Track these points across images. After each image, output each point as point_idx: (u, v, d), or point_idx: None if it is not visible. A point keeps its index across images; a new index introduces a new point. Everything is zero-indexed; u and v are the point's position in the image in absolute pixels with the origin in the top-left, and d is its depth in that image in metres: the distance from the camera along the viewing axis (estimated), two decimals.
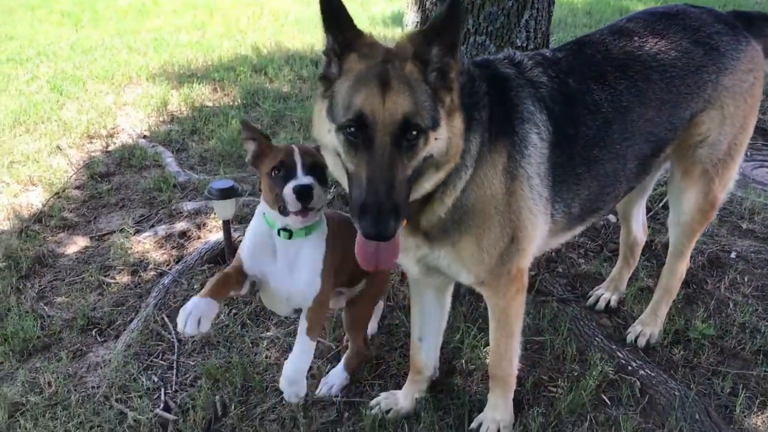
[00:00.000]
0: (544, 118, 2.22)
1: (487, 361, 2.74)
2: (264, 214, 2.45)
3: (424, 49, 1.87)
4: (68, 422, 2.69)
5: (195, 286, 3.51)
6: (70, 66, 7.79)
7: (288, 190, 2.24)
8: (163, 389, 2.86)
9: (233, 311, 3.32)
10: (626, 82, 2.41)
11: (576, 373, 2.79)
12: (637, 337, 2.98)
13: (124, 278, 3.71)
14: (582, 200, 2.41)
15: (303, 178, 2.26)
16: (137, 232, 4.14)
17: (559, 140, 2.24)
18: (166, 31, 9.44)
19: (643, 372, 2.77)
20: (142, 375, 2.96)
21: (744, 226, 3.80)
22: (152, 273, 3.75)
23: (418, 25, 3.42)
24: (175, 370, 2.98)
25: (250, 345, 3.09)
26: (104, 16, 10.09)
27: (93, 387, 2.92)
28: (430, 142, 1.88)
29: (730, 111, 2.53)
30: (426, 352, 2.70)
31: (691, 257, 3.45)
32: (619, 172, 2.48)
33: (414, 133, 1.84)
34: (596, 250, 3.66)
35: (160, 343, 3.17)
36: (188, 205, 4.40)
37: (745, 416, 2.60)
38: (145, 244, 3.99)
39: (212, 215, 4.17)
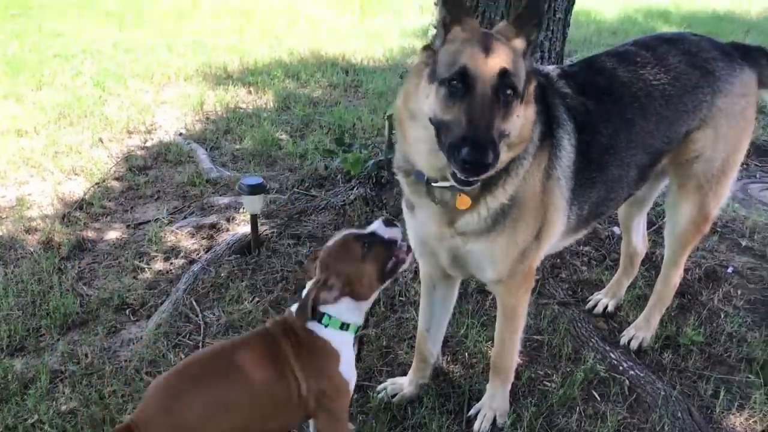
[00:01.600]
0: (571, 125, 2.45)
1: (489, 354, 2.97)
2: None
3: (529, 30, 2.13)
4: (102, 390, 2.95)
5: (222, 274, 3.78)
6: (112, 64, 8.16)
7: (381, 228, 2.24)
8: None
9: (256, 299, 3.58)
10: (631, 97, 2.62)
11: (570, 370, 3.00)
12: (630, 340, 3.18)
13: (157, 264, 3.99)
14: (592, 203, 2.63)
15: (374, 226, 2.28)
16: (170, 222, 4.43)
17: (581, 146, 2.47)
18: (205, 35, 9.79)
19: (632, 372, 2.97)
20: (170, 352, 3.21)
21: (743, 243, 3.97)
22: (183, 260, 4.02)
23: None
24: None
25: None
26: (146, 18, 10.48)
27: (125, 360, 3.18)
28: (517, 111, 2.09)
29: (723, 131, 2.73)
30: (431, 342, 2.93)
31: (689, 270, 3.65)
32: (623, 178, 2.70)
33: (509, 92, 2.04)
34: (599, 258, 3.86)
35: (187, 324, 3.42)
36: (219, 200, 4.69)
37: (724, 417, 2.78)
38: (177, 234, 4.27)
39: (241, 210, 4.44)
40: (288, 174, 5.12)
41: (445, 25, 2.14)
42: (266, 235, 4.15)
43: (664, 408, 2.75)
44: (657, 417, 2.72)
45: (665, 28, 8.96)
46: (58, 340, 3.34)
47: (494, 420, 2.76)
